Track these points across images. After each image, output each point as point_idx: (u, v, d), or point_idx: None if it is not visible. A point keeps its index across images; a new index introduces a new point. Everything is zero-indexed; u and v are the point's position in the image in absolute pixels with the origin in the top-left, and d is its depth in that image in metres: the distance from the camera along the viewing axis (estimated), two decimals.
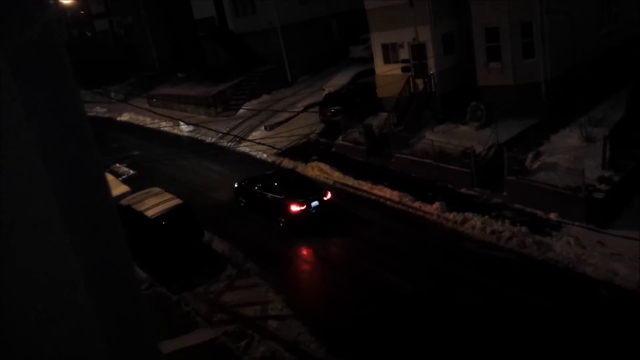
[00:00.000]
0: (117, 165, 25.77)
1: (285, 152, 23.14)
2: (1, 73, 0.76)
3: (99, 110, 39.02)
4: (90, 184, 0.93)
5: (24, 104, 0.80)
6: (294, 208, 16.23)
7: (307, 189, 17.04)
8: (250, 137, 25.49)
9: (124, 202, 16.74)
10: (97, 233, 0.93)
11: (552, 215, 14.98)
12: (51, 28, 0.85)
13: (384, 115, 22.64)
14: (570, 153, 16.72)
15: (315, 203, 16.42)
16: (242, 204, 18.74)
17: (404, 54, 22.77)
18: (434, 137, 19.46)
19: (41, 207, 0.83)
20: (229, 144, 26.36)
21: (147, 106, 33.77)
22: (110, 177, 20.49)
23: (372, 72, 24.96)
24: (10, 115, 0.78)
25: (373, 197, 18.24)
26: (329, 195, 16.85)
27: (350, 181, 19.55)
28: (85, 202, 0.90)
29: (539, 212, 15.30)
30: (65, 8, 49.33)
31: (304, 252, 16.22)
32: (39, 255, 0.84)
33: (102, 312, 0.90)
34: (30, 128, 0.80)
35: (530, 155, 17.01)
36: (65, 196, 0.84)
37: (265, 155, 23.57)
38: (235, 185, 19.12)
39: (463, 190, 17.41)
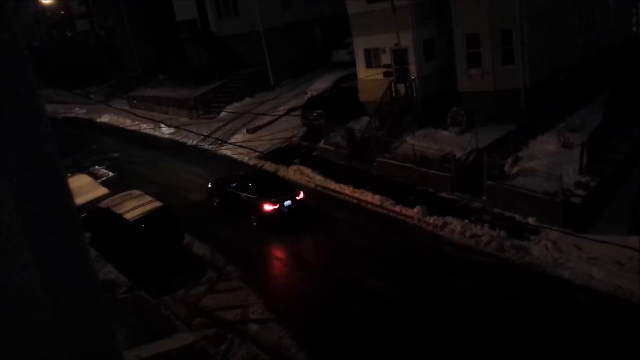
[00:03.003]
0: (97, 167, 25.45)
1: (267, 155, 23.08)
2: None
3: (78, 112, 38.52)
4: (51, 190, 0.92)
5: None
6: (267, 207, 16.54)
7: (280, 188, 17.40)
8: (232, 140, 25.35)
9: (103, 204, 16.53)
10: (57, 239, 0.92)
11: (531, 220, 15.16)
12: (14, 39, 0.84)
13: (366, 119, 22.74)
14: (549, 159, 16.95)
15: (288, 202, 16.75)
16: (215, 204, 18.91)
17: (386, 59, 22.91)
18: (415, 142, 19.60)
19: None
20: (211, 146, 26.21)
21: (127, 108, 33.41)
22: (89, 179, 20.23)
23: (354, 76, 25.05)
24: None
25: (354, 201, 18.28)
26: (301, 195, 17.19)
27: (332, 185, 19.57)
28: (46, 208, 0.89)
29: (518, 217, 15.47)
30: (45, 8, 48.62)
31: (285, 255, 16.19)
32: None
33: (62, 319, 0.89)
34: None
35: (509, 161, 17.22)
36: (24, 201, 0.83)
37: (247, 159, 23.50)
38: (209, 185, 19.31)
39: (443, 194, 17.54)
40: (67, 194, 0.99)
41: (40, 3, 45.64)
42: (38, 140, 0.93)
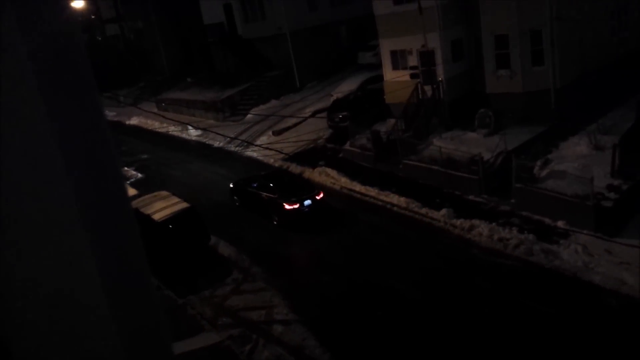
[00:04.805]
0: (125, 168, 25.88)
1: (292, 157, 23.16)
2: (24, 72, 0.77)
3: (108, 114, 39.21)
4: (109, 187, 0.95)
5: (46, 103, 0.81)
6: (288, 206, 16.73)
7: (300, 188, 17.58)
8: (258, 142, 25.54)
9: (131, 205, 16.78)
10: (114, 234, 0.94)
11: (560, 223, 14.89)
12: (71, 27, 0.86)
13: (392, 121, 22.62)
14: (579, 161, 16.63)
15: (308, 202, 16.90)
16: (237, 204, 19.22)
17: (413, 60, 22.78)
18: (442, 144, 19.42)
19: (61, 208, 0.84)
20: (237, 148, 26.43)
21: (155, 110, 33.96)
22: None
23: (380, 78, 24.97)
24: (32, 114, 0.79)
25: (380, 203, 18.21)
26: (322, 195, 17.33)
27: (357, 187, 19.53)
28: (104, 204, 0.92)
29: (547, 220, 15.21)
30: (76, 12, 49.73)
31: (310, 257, 16.22)
32: (56, 256, 0.86)
33: (118, 313, 0.91)
34: (52, 128, 0.82)
35: (538, 163, 16.94)
36: (84, 197, 0.85)
37: (272, 160, 23.62)
38: (231, 185, 19.62)
39: (471, 197, 17.35)
40: (124, 191, 1.02)
41: (72, 7, 46.61)
42: (98, 136, 0.95)
